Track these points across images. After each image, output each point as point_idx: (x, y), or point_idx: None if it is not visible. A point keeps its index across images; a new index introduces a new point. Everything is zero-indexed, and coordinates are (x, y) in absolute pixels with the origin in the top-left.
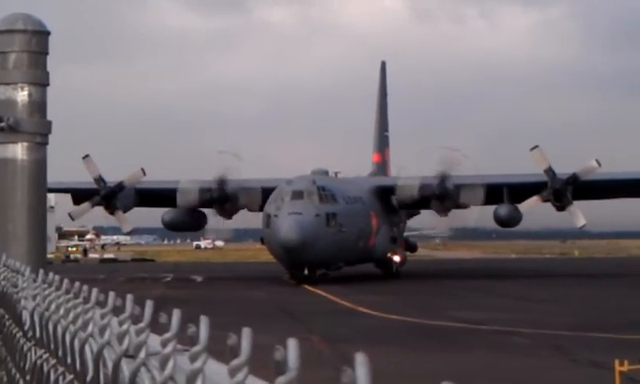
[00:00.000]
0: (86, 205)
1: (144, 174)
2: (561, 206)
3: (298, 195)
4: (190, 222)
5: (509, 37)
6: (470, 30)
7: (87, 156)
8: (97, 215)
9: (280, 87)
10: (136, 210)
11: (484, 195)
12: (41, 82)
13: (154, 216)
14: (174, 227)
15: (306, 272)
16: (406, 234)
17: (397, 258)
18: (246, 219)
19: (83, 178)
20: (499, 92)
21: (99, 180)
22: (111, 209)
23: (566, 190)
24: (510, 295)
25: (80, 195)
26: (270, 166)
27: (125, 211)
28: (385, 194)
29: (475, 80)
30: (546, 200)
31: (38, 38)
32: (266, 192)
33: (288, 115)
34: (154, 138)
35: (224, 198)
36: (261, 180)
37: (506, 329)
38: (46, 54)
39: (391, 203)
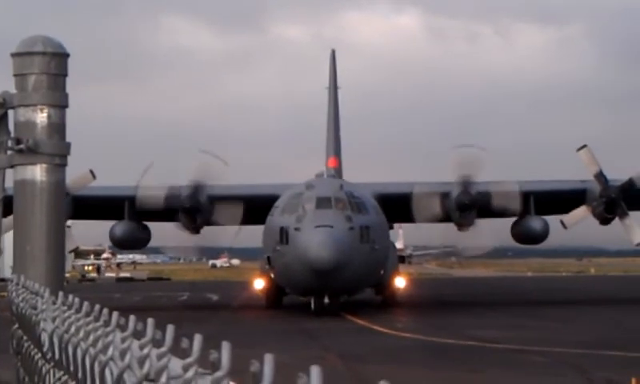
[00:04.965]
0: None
1: (94, 177)
2: (610, 218)
3: (324, 203)
4: (142, 238)
5: (523, 54)
6: (483, 48)
7: None
8: None
9: (291, 105)
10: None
11: (521, 204)
12: (60, 104)
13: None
14: (123, 243)
15: (326, 300)
16: (417, 253)
17: (402, 282)
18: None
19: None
20: (512, 108)
21: None
22: None
23: (620, 199)
24: (525, 314)
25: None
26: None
27: None
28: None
29: (488, 96)
30: (594, 211)
31: (58, 60)
32: (249, 201)
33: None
34: (168, 156)
35: (195, 208)
36: (244, 185)
37: (522, 347)
38: (65, 75)
39: None
